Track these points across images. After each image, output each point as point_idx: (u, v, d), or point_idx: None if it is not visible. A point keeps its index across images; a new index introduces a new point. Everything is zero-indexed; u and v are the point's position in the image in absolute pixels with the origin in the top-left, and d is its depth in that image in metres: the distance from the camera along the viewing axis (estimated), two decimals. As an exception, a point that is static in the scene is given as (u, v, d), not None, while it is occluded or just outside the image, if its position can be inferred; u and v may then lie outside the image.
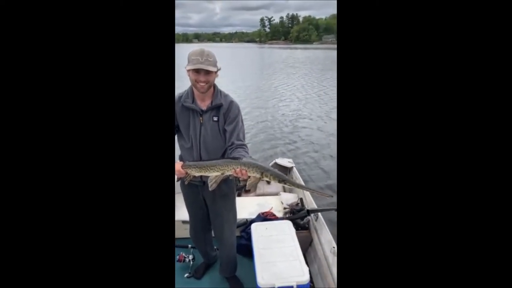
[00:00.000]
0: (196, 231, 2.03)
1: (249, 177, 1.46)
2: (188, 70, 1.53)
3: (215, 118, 1.65)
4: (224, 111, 1.65)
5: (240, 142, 1.63)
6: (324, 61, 28.64)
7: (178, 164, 1.66)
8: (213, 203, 1.84)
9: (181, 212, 2.29)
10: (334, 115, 8.33)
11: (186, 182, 1.71)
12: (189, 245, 2.29)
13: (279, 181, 1.45)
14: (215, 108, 1.65)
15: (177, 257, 2.23)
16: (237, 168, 1.45)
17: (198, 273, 2.19)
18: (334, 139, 6.41)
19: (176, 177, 1.70)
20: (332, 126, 7.32)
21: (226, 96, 1.68)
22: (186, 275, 2.19)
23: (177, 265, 2.22)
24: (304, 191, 2.83)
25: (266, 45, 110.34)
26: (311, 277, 1.97)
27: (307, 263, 1.99)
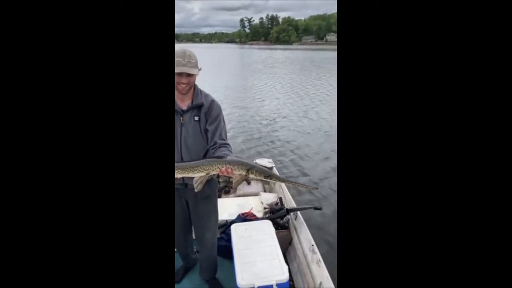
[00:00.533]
0: (177, 234, 2.00)
1: (235, 175, 1.46)
2: None
3: (196, 118, 1.62)
4: (205, 111, 1.63)
5: (223, 141, 1.62)
6: (303, 61, 29.05)
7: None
8: (195, 205, 1.82)
9: None
10: (311, 114, 8.51)
11: None
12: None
13: (265, 177, 1.46)
14: (196, 107, 1.63)
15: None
16: (223, 167, 1.44)
17: (177, 276, 2.16)
18: (311, 138, 6.53)
19: None
20: (309, 125, 7.44)
21: (207, 95, 1.67)
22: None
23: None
24: (284, 190, 2.86)
25: (247, 46, 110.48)
26: (290, 275, 2.00)
27: (287, 262, 2.02)
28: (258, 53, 49.33)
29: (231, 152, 1.60)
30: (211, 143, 1.64)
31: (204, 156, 1.69)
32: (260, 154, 5.39)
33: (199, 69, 1.56)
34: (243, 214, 2.52)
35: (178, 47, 1.54)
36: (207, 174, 1.50)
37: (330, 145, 5.99)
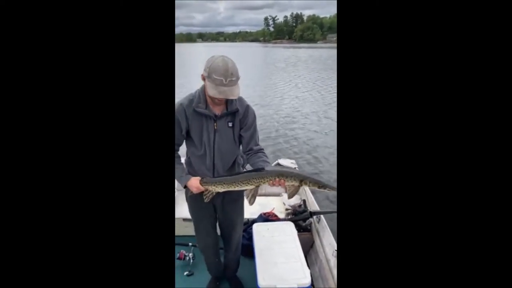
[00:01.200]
0: (205, 243, 1.90)
1: (288, 186, 1.42)
2: (204, 79, 1.44)
3: (230, 124, 1.56)
4: (240, 117, 1.57)
5: (258, 147, 1.61)
6: (326, 60, 28.55)
7: (195, 180, 1.57)
8: (222, 209, 1.79)
9: (182, 210, 2.28)
10: (331, 113, 8.35)
11: (207, 200, 1.59)
12: (190, 243, 2.28)
13: (319, 187, 1.42)
14: (231, 114, 1.56)
15: (177, 254, 2.22)
16: (275, 178, 1.40)
17: None
18: (329, 138, 6.41)
19: (189, 192, 1.62)
20: (328, 126, 7.33)
21: (240, 99, 1.58)
22: (186, 273, 2.18)
23: (178, 262, 2.22)
24: (308, 193, 2.81)
25: (270, 45, 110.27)
26: (312, 279, 1.96)
27: (308, 265, 1.98)
28: (281, 52, 49.09)
29: (267, 157, 1.58)
30: (247, 149, 1.61)
31: (234, 162, 1.66)
32: (276, 153, 5.36)
33: (239, 79, 1.43)
34: (264, 213, 2.51)
35: (220, 59, 1.39)
36: (257, 186, 1.46)
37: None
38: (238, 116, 1.57)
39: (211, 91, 1.39)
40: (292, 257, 1.89)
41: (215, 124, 1.54)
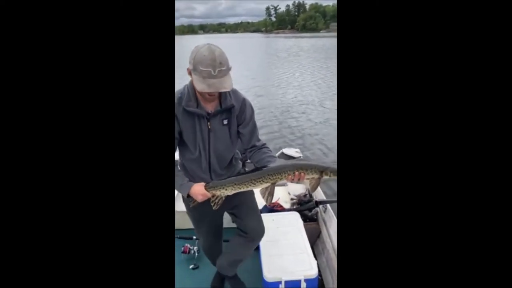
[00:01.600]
0: (209, 243, 1.78)
1: (309, 179, 1.30)
2: (191, 73, 1.28)
3: (225, 122, 1.40)
4: (236, 113, 1.41)
5: (261, 143, 1.49)
6: (327, 49, 28.13)
7: (199, 186, 1.39)
8: (233, 208, 1.61)
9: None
10: (329, 103, 8.31)
11: (216, 207, 1.40)
12: (194, 237, 2.23)
13: None
14: (225, 110, 1.39)
15: (182, 248, 2.18)
16: (294, 172, 1.28)
17: (217, 285, 1.95)
18: (330, 127, 6.37)
19: (191, 203, 1.43)
20: (327, 115, 7.29)
21: (235, 93, 1.42)
22: (191, 266, 2.14)
23: (182, 256, 2.17)
24: None
25: (272, 35, 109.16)
26: (319, 270, 1.90)
27: (315, 256, 1.92)
28: (283, 42, 48.55)
29: (271, 151, 1.47)
30: (248, 146, 1.48)
31: (231, 161, 1.52)
32: (278, 144, 5.29)
33: (230, 69, 1.28)
34: (269, 204, 2.45)
35: (205, 48, 1.23)
36: (273, 183, 1.33)
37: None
38: (234, 112, 1.41)
39: (199, 85, 1.23)
40: (298, 248, 1.83)
41: (208, 123, 1.37)
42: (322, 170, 1.29)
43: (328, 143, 5.55)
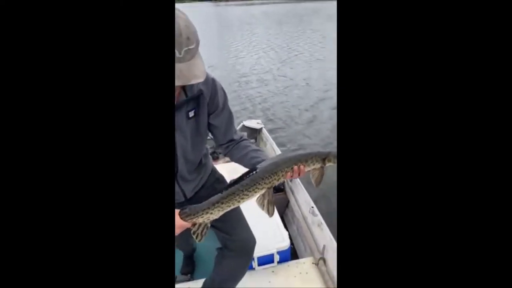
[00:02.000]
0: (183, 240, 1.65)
1: (312, 171, 1.06)
2: None
3: (191, 114, 1.06)
4: (206, 100, 1.08)
5: (239, 135, 1.21)
6: (281, 16, 27.62)
7: (175, 216, 1.02)
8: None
9: None
10: (286, 70, 8.30)
11: (201, 240, 1.05)
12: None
13: None
14: (192, 99, 1.05)
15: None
16: (292, 168, 1.02)
17: (187, 271, 1.82)
18: (290, 94, 6.36)
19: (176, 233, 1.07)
20: (285, 82, 7.27)
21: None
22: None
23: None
24: (276, 152, 2.69)
25: (222, 3, 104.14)
26: (290, 239, 1.88)
27: (285, 226, 1.89)
28: (234, 10, 46.64)
29: (253, 143, 1.21)
30: (224, 140, 1.19)
31: (200, 162, 1.22)
32: (236, 115, 5.17)
33: (199, 44, 0.93)
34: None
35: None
36: (270, 187, 1.05)
37: (309, 100, 5.90)
38: (203, 100, 1.07)
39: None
40: (268, 221, 1.77)
41: None
42: (324, 157, 1.05)
43: (290, 111, 5.52)
